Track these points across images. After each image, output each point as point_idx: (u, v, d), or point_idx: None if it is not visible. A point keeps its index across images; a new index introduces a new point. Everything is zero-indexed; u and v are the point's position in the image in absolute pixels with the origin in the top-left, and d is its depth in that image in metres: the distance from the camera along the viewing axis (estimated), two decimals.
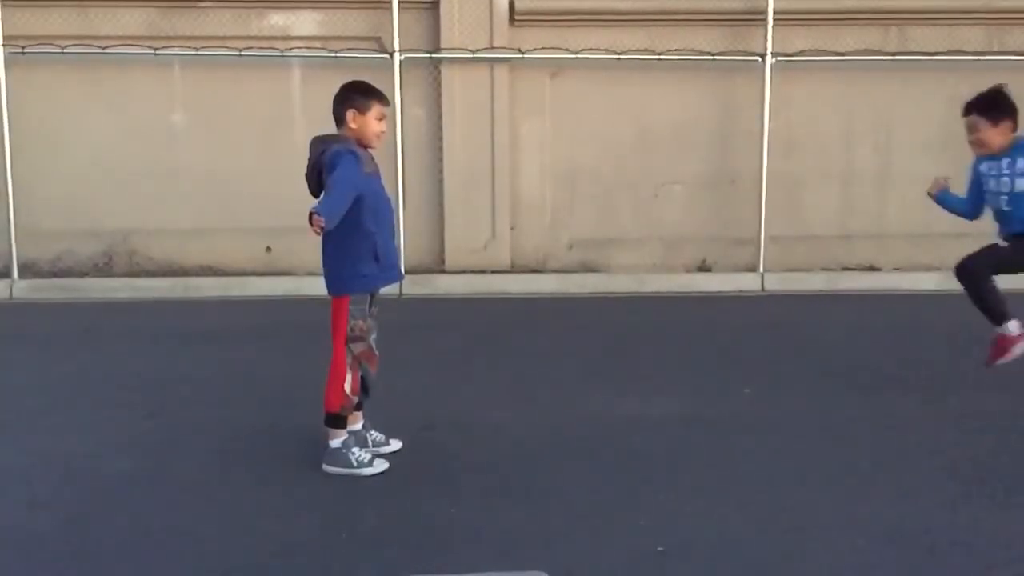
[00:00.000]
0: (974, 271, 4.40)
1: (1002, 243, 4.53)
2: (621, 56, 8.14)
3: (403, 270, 7.86)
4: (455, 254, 8.35)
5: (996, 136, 4.37)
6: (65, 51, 7.80)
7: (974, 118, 4.43)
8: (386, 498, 3.24)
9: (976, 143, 4.46)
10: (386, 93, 3.58)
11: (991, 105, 4.41)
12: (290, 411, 4.28)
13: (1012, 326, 4.33)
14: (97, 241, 8.21)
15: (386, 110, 3.51)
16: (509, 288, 7.99)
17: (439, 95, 8.24)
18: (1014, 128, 4.40)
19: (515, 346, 5.82)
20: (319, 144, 3.45)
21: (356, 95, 3.45)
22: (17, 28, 7.83)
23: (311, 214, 3.15)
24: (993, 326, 4.39)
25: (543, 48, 8.10)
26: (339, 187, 3.28)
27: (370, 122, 3.45)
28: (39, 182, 8.02)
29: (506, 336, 6.15)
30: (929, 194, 4.82)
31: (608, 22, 8.19)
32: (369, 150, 3.51)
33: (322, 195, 3.36)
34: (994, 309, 4.39)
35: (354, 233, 3.38)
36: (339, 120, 3.48)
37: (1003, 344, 4.38)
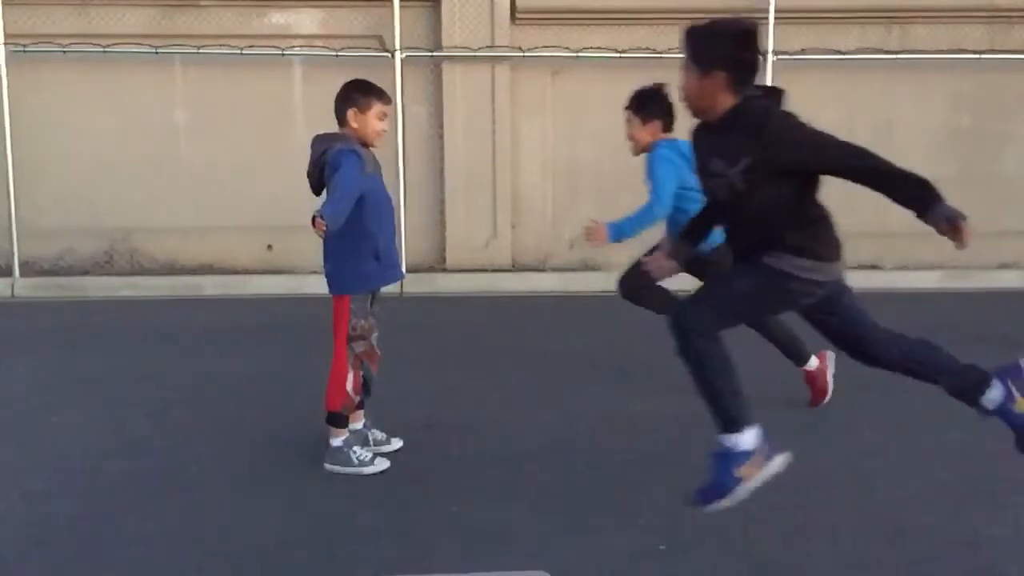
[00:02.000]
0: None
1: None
2: (622, 55, 8.14)
3: (404, 269, 7.86)
4: (456, 253, 8.35)
5: (645, 135, 4.22)
6: (67, 49, 7.80)
7: (628, 113, 4.27)
8: (387, 497, 3.24)
9: (628, 139, 4.32)
10: (387, 92, 3.58)
11: (643, 102, 4.25)
12: (291, 410, 4.28)
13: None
14: (98, 239, 8.22)
15: (387, 109, 3.51)
16: (510, 287, 7.99)
17: (440, 94, 8.24)
18: (664, 128, 4.22)
19: (516, 345, 5.82)
20: (321, 142, 3.45)
21: (357, 94, 3.45)
22: (19, 26, 7.83)
23: (314, 217, 3.15)
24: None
25: (544, 47, 8.10)
26: (342, 188, 3.28)
27: (371, 121, 3.45)
28: (40, 180, 8.03)
29: (507, 335, 6.15)
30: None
31: (609, 21, 8.18)
32: (371, 149, 3.51)
33: (324, 195, 3.36)
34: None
35: (355, 232, 3.38)
36: (340, 119, 3.48)
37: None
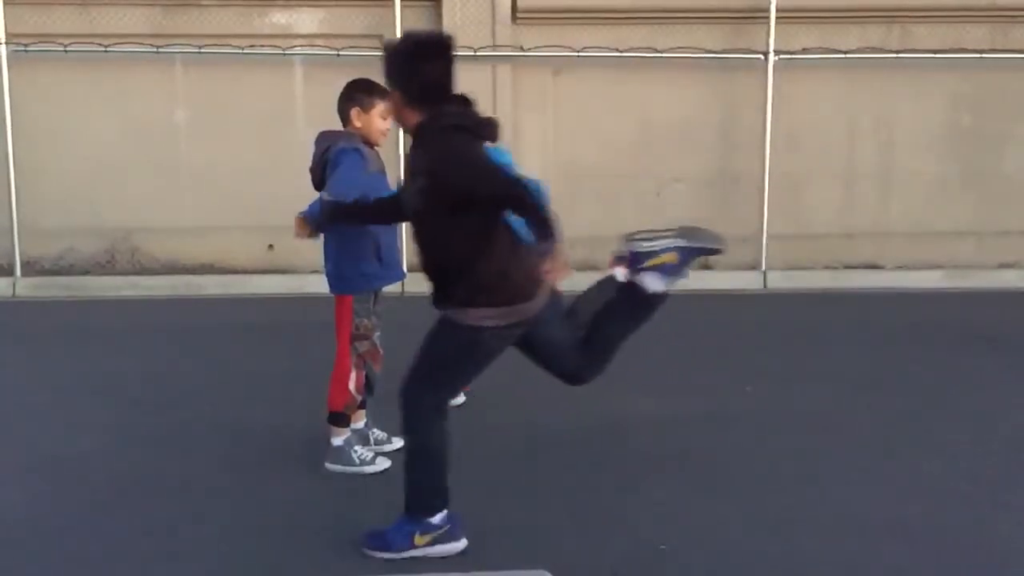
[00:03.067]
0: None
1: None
2: (623, 54, 8.13)
3: (405, 269, 7.86)
4: None
5: None
6: (68, 49, 7.80)
7: None
8: (388, 496, 3.24)
9: None
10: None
11: None
12: (292, 409, 4.28)
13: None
14: (99, 239, 8.22)
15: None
16: None
17: None
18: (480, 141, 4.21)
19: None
20: (325, 140, 3.47)
21: (360, 93, 3.47)
22: (20, 26, 7.83)
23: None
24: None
25: (545, 46, 8.10)
26: (337, 188, 3.28)
27: (375, 120, 3.46)
28: (42, 180, 8.03)
29: None
30: None
31: (610, 20, 8.18)
32: (375, 148, 3.52)
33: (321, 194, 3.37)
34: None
35: (357, 232, 3.39)
36: (344, 119, 3.49)
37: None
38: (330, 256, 3.49)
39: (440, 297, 2.74)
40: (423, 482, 2.78)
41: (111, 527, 2.99)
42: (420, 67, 2.66)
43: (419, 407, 2.76)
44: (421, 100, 2.67)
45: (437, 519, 2.77)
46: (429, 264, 2.77)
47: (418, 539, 2.76)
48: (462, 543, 2.80)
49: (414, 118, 2.69)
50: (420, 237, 2.78)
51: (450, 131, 2.66)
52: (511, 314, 2.70)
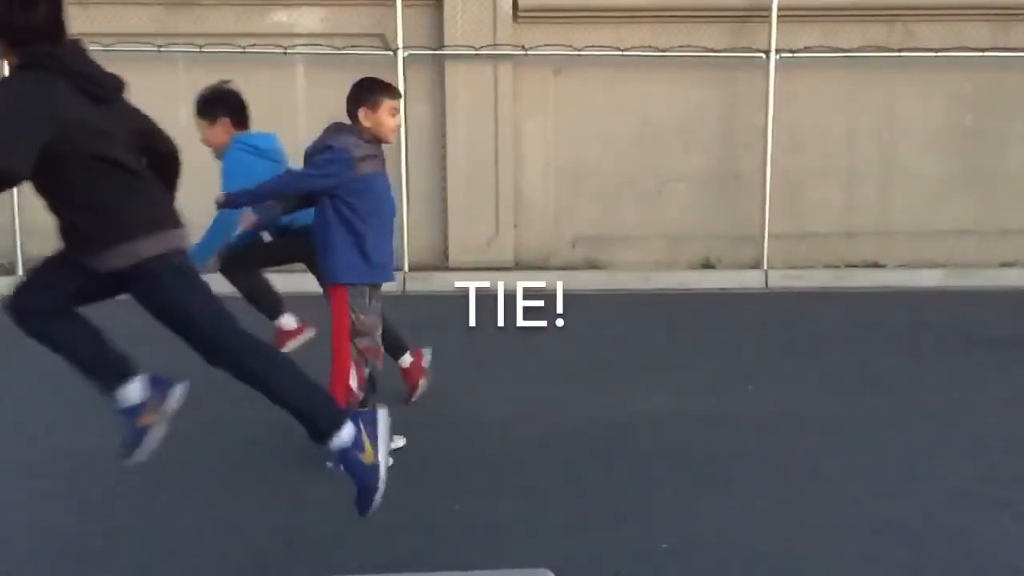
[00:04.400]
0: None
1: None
2: (625, 53, 8.13)
3: (407, 267, 7.87)
4: (458, 251, 8.35)
5: (218, 135, 4.12)
6: None
7: (196, 119, 4.16)
8: (389, 495, 3.23)
9: (205, 144, 4.17)
10: None
11: (207, 104, 4.15)
12: None
13: None
14: None
15: (397, 103, 3.54)
16: (512, 285, 7.97)
17: (443, 92, 8.24)
18: (236, 125, 4.12)
19: (517, 343, 5.83)
20: (328, 134, 3.51)
21: (364, 93, 3.50)
22: None
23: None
24: None
25: (546, 45, 8.10)
26: (274, 185, 3.49)
27: (384, 118, 3.48)
28: None
29: (508, 333, 6.15)
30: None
31: (612, 18, 8.18)
32: (382, 145, 3.54)
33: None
34: None
35: (345, 227, 3.42)
36: (353, 119, 3.51)
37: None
38: (319, 251, 3.52)
39: (82, 246, 2.63)
40: (303, 397, 2.72)
41: (110, 526, 3.00)
42: (21, 9, 2.58)
43: (234, 353, 2.83)
44: (23, 44, 2.57)
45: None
46: (59, 217, 2.69)
47: (366, 456, 2.65)
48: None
49: (13, 61, 2.60)
50: (38, 190, 2.67)
51: (25, 70, 2.54)
52: (171, 238, 2.74)
